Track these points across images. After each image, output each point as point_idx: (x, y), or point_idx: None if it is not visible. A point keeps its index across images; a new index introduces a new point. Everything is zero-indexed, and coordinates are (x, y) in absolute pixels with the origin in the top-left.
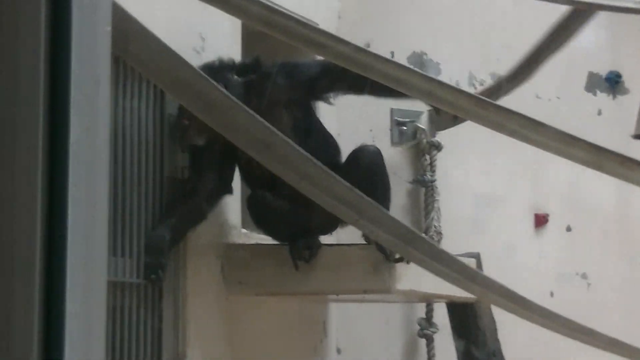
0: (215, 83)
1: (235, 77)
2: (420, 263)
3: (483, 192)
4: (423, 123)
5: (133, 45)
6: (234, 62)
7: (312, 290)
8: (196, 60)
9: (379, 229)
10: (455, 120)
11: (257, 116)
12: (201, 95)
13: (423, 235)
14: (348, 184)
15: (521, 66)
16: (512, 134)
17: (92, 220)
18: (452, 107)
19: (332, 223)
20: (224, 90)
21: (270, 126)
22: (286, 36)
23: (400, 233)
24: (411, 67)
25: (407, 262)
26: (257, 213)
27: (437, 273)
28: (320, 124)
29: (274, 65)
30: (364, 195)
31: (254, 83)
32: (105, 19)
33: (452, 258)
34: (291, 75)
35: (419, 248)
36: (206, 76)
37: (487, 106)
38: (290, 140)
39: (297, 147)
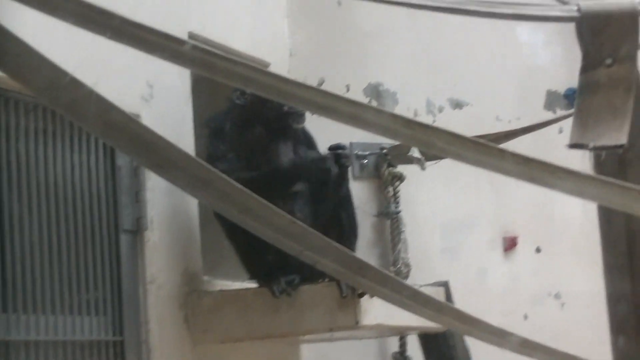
0: (144, 125)
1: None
2: (370, 291)
3: (449, 220)
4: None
5: (62, 94)
6: None
7: (277, 333)
8: (145, 109)
9: (325, 259)
10: None
11: (192, 155)
12: (133, 137)
13: (369, 262)
14: (290, 217)
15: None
16: (442, 152)
17: None
18: (378, 129)
19: None
20: (154, 131)
21: (206, 163)
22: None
23: (346, 261)
24: (335, 93)
25: (371, 296)
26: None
27: (389, 300)
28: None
29: None
30: (307, 227)
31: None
32: None
33: (401, 284)
34: None
35: (367, 275)
36: (135, 119)
37: (412, 125)
38: (226, 176)
39: (235, 183)
